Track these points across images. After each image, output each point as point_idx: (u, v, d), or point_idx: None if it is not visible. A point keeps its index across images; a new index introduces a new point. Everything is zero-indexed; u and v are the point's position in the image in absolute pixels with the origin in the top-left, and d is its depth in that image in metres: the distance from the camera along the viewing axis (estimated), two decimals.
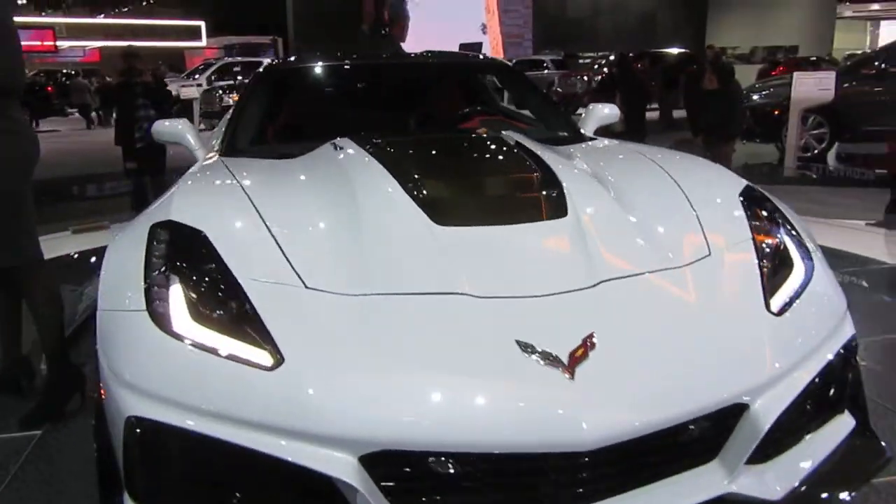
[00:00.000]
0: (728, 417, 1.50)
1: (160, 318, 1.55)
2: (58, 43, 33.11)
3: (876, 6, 33.65)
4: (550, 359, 1.41)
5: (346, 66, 3.40)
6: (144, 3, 38.39)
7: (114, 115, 7.68)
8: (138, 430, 1.45)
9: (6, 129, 2.28)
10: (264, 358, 1.46)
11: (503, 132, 2.58)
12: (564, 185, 1.99)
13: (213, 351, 1.48)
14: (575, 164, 2.29)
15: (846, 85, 8.74)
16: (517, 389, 1.39)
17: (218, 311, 1.57)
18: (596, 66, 17.94)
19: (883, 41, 36.18)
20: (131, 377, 1.49)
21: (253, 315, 1.54)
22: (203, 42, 35.93)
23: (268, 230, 1.81)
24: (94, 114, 19.18)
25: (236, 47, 33.29)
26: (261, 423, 1.38)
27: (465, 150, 2.55)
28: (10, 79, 2.23)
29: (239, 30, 36.15)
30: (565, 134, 3.03)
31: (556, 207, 1.90)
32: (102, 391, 1.59)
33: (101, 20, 41.22)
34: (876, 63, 9.05)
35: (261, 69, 3.42)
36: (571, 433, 1.33)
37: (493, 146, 2.50)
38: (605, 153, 2.67)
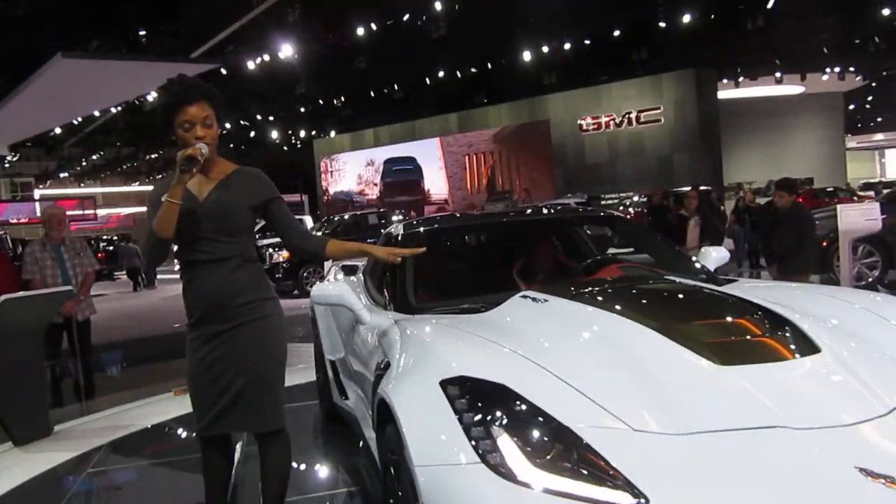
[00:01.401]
0: None
1: (500, 469, 1.63)
2: (97, 211, 34.87)
3: (879, 136, 35.08)
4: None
5: (482, 223, 3.67)
6: None
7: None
8: None
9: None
10: (626, 499, 1.55)
11: (669, 277, 2.77)
12: (798, 324, 2.17)
13: (569, 496, 1.56)
14: (780, 302, 2.43)
15: (889, 214, 9.01)
16: None
17: (557, 457, 1.65)
18: (621, 207, 18.60)
19: (890, 168, 37.61)
20: None
21: (596, 458, 1.63)
22: None
23: (557, 378, 1.92)
24: (140, 276, 19.80)
25: None
26: None
27: (669, 295, 2.70)
28: None
29: None
30: (703, 275, 3.20)
31: (807, 344, 2.06)
32: None
33: (136, 188, 43.46)
34: None
35: (400, 230, 3.63)
36: None
37: (684, 290, 2.69)
38: (780, 290, 2.83)
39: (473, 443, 1.71)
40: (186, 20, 17.77)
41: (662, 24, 19.51)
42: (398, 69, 23.63)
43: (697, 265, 3.37)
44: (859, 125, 36.39)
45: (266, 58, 20.24)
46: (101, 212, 39.10)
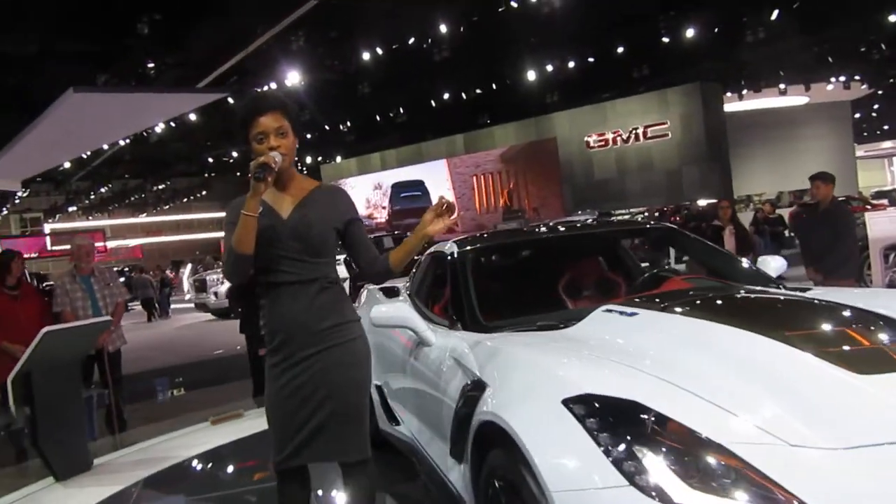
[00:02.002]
0: None
1: (652, 491, 1.55)
2: (107, 243, 34.93)
3: (888, 143, 35.08)
4: None
5: (535, 239, 3.60)
6: (185, 200, 40.63)
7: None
8: None
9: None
10: None
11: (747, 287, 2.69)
12: None
13: None
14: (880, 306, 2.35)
15: None
16: None
17: (712, 477, 1.56)
18: None
19: None
20: None
21: (757, 475, 1.54)
22: None
23: (687, 392, 1.82)
24: (154, 307, 19.75)
25: None
26: None
27: (765, 304, 2.62)
28: None
29: None
30: (774, 284, 3.12)
31: None
32: None
33: (145, 219, 43.58)
34: None
35: (454, 248, 3.55)
36: None
37: (776, 298, 2.63)
38: (867, 296, 2.74)
39: (616, 464, 1.61)
40: (193, 51, 17.89)
41: (666, 40, 19.58)
42: (403, 92, 23.74)
43: (763, 274, 3.29)
44: (865, 134, 36.38)
45: (272, 85, 20.37)
46: (111, 243, 39.21)
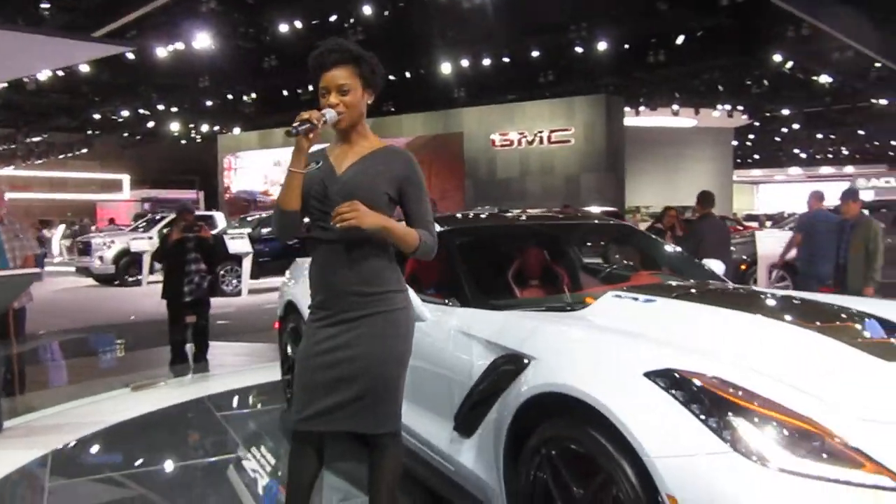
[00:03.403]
0: None
1: (754, 456, 1.66)
2: None
3: (756, 172, 38.06)
4: None
5: (524, 225, 3.72)
6: (62, 157, 37.85)
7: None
8: None
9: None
10: (886, 482, 1.62)
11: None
12: None
13: (833, 480, 1.61)
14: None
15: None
16: None
17: (805, 445, 1.69)
18: None
19: (762, 201, 41.10)
20: None
21: (844, 446, 1.68)
22: (126, 195, 35.66)
23: (754, 370, 1.96)
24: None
25: (154, 201, 33.31)
26: None
27: (765, 298, 2.90)
28: None
29: (155, 184, 36.25)
30: (730, 284, 3.43)
31: None
32: None
33: (11, 172, 40.20)
34: None
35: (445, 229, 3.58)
36: None
37: (766, 294, 2.93)
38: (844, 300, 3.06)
39: (714, 432, 1.72)
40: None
41: (578, 50, 20.31)
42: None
43: (715, 274, 3.59)
44: (739, 160, 39.27)
45: (174, 47, 19.40)
46: None
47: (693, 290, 2.85)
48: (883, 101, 25.85)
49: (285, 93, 25.19)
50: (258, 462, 3.55)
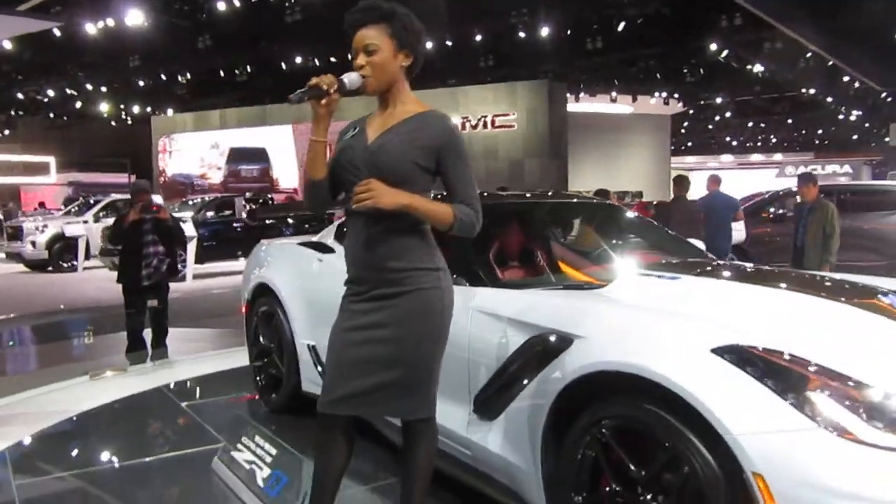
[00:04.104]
0: None
1: (837, 431, 1.65)
2: None
3: (690, 159, 39.17)
4: None
5: (528, 203, 3.71)
6: None
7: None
8: None
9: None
10: None
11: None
12: None
13: None
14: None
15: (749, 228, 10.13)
16: None
17: (883, 417, 1.69)
18: None
19: (695, 188, 42.49)
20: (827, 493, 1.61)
21: None
22: (53, 178, 34.04)
23: (813, 346, 1.96)
24: None
25: (79, 185, 31.92)
26: None
27: (781, 275, 2.99)
28: None
29: (82, 167, 34.77)
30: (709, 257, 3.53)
31: None
32: None
33: None
34: (770, 209, 10.62)
35: None
36: None
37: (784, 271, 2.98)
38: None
39: (795, 407, 1.70)
40: None
41: (522, 35, 20.36)
42: (252, 50, 22.62)
43: (702, 251, 3.67)
44: (673, 147, 40.29)
45: (104, 23, 18.51)
46: None
47: (710, 268, 2.85)
48: (811, 91, 26.89)
49: (222, 74, 24.40)
50: (240, 453, 3.36)
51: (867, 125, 35.36)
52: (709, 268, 2.91)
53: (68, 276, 13.77)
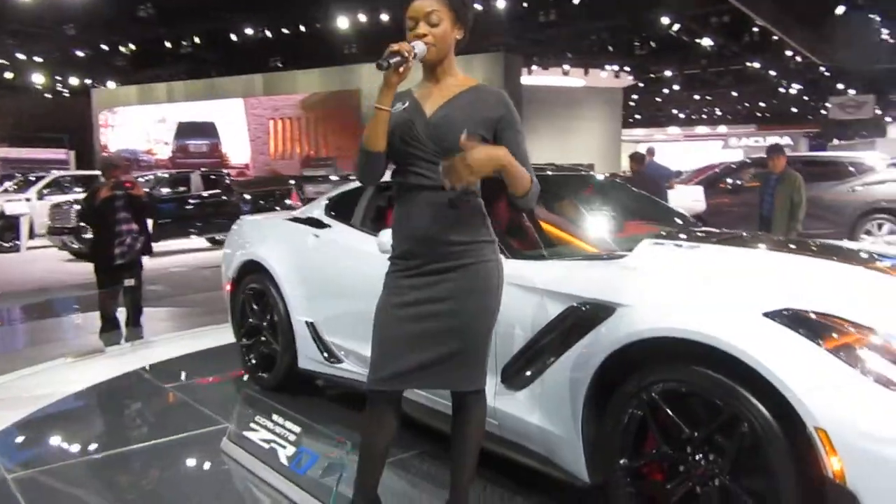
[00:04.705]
0: None
1: (891, 384, 1.80)
2: None
3: (639, 131, 39.85)
4: None
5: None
6: None
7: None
8: None
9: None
10: None
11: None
12: None
13: None
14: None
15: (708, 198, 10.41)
16: None
17: None
18: None
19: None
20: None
21: None
22: None
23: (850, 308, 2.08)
24: None
25: (10, 160, 30.56)
26: None
27: (783, 242, 3.15)
28: None
29: (14, 142, 33.27)
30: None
31: None
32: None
33: None
34: (728, 180, 10.93)
35: None
36: None
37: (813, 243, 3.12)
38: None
39: (851, 365, 1.82)
40: None
41: (478, 7, 20.21)
42: (199, 20, 21.89)
43: (687, 218, 3.80)
44: (621, 120, 40.90)
45: None
46: None
47: (726, 237, 2.96)
48: (755, 65, 27.53)
49: (168, 44, 23.56)
50: (254, 432, 3.28)
51: (805, 98, 36.48)
52: (725, 236, 3.01)
53: (10, 257, 13.20)
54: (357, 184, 4.19)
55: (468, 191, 2.15)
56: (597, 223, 3.73)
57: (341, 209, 4.12)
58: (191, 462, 3.26)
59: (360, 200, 4.03)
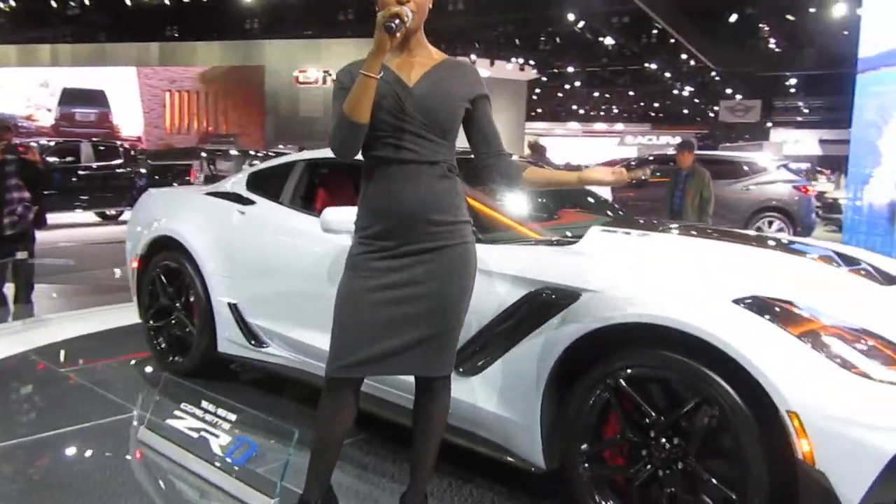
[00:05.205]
0: None
1: (857, 371, 1.85)
2: None
3: (540, 125, 40.74)
4: None
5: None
6: None
7: None
8: None
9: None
10: None
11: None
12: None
13: None
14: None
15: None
16: None
17: (882, 358, 1.90)
18: None
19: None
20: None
21: None
22: None
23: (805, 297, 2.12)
24: None
25: None
26: None
27: (723, 233, 3.20)
28: None
29: None
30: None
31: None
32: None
33: None
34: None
35: None
36: None
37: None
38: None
39: (818, 350, 1.87)
40: None
41: None
42: None
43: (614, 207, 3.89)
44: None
45: None
46: None
47: (670, 226, 3.04)
48: (652, 66, 28.67)
49: (53, 3, 21.90)
50: (179, 420, 3.02)
51: (696, 101, 38.41)
52: (670, 226, 3.08)
53: None
54: (283, 160, 3.98)
55: (452, 166, 2.08)
56: (533, 209, 3.70)
57: (266, 185, 3.89)
58: (102, 453, 2.97)
59: (290, 177, 3.82)
